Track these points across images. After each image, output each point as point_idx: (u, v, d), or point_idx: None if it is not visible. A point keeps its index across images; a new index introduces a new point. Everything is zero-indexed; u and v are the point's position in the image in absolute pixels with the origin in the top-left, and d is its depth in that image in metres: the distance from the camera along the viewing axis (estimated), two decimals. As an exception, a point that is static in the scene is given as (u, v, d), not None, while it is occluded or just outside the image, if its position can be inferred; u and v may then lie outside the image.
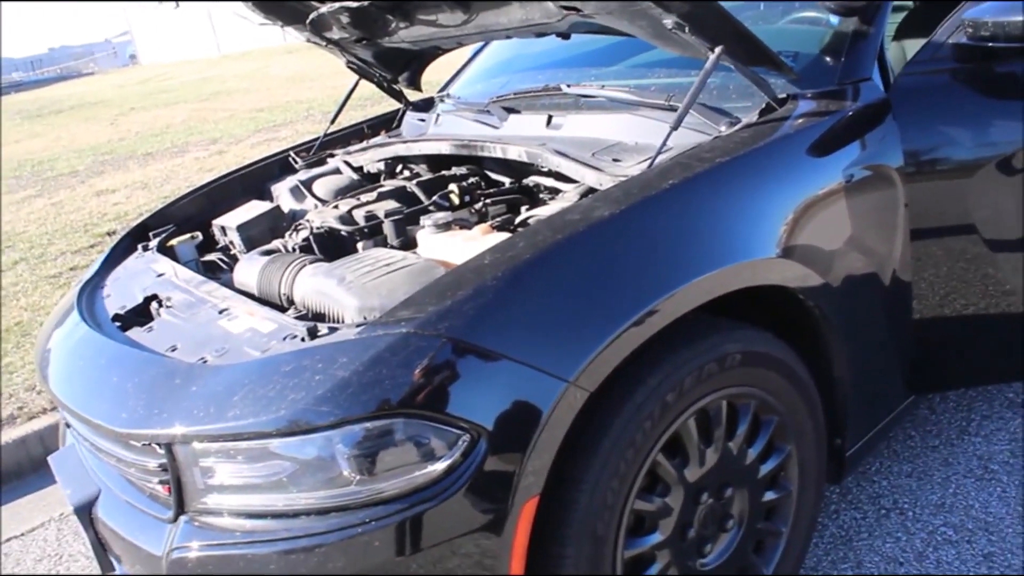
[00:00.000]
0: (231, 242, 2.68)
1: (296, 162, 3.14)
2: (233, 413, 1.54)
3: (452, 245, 1.96)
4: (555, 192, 2.42)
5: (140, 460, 1.73)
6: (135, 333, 2.03)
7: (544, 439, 1.55)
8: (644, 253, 1.70)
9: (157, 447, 1.65)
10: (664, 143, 1.98)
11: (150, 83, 21.38)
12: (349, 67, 3.17)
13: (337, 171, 3.00)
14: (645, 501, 1.78)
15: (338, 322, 1.80)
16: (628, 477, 1.70)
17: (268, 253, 2.25)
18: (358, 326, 1.63)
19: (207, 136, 10.56)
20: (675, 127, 1.99)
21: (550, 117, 2.45)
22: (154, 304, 2.16)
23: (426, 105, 3.27)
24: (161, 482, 1.70)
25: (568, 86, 2.57)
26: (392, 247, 2.23)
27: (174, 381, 1.69)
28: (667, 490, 1.82)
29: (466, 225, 2.12)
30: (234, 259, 2.59)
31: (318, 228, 2.31)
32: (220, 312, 1.96)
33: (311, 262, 2.04)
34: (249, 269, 2.15)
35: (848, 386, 2.11)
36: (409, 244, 2.22)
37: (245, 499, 1.57)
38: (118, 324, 2.11)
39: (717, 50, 2.01)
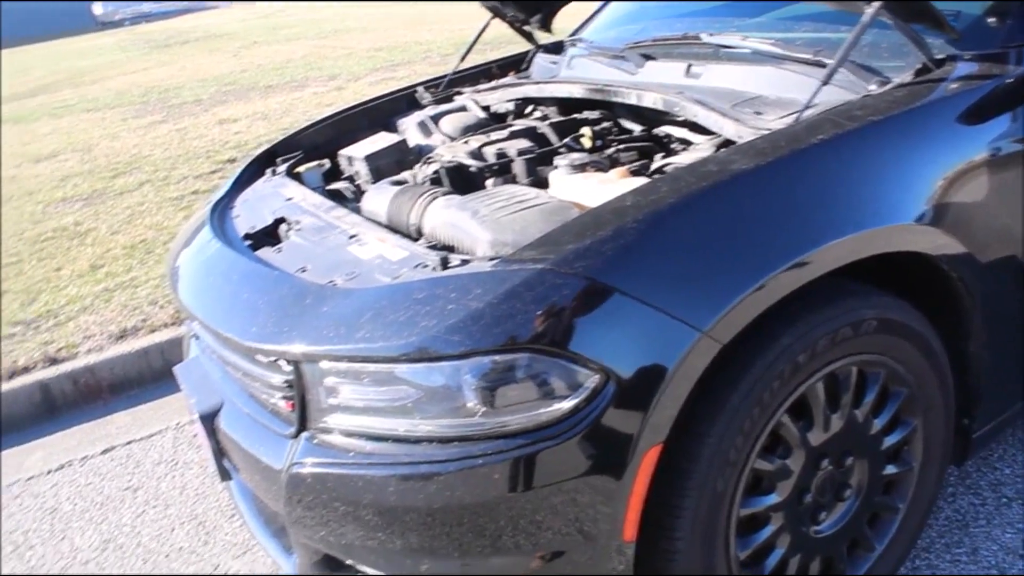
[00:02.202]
0: (357, 172, 2.70)
1: (423, 98, 3.13)
2: (362, 335, 1.55)
3: (586, 187, 1.92)
4: (686, 143, 2.36)
5: (265, 375, 1.77)
6: (265, 253, 2.07)
7: (672, 388, 1.52)
8: (790, 207, 1.64)
9: (284, 364, 1.68)
10: (812, 98, 1.90)
11: (271, 18, 21.72)
12: (483, 5, 3.14)
13: (464, 109, 2.98)
14: (766, 461, 1.74)
15: (469, 255, 1.79)
16: (752, 435, 1.66)
17: (398, 184, 2.25)
18: (492, 260, 1.62)
19: (326, 72, 10.69)
20: (825, 82, 1.91)
21: (689, 66, 2.38)
22: (283, 226, 2.19)
23: (556, 49, 3.22)
24: (284, 398, 1.73)
25: (709, 35, 2.49)
26: (519, 185, 2.21)
27: (305, 300, 1.71)
28: (788, 452, 1.78)
29: (601, 168, 2.08)
30: (359, 189, 2.61)
31: (448, 162, 2.30)
32: (350, 238, 1.97)
33: (442, 194, 2.03)
34: (378, 198, 2.16)
35: (984, 365, 2.02)
36: (539, 184, 2.19)
37: (367, 421, 1.59)
38: (248, 243, 2.14)
39: (876, 5, 1.91)
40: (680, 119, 2.27)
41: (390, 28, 15.37)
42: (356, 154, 2.66)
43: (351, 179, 2.71)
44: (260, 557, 2.45)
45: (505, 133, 2.42)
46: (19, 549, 2.71)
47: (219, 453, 2.02)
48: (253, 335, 1.72)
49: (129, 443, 3.23)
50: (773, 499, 1.78)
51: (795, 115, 1.90)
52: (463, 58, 3.23)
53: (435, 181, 2.26)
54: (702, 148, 2.16)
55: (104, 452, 3.20)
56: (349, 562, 1.75)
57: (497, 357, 1.47)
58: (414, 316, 1.52)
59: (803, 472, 1.80)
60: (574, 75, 2.78)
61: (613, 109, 2.59)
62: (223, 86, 10.65)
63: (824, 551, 1.92)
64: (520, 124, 2.54)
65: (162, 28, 23.70)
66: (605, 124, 2.46)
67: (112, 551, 2.62)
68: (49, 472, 3.13)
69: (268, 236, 2.17)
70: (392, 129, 2.99)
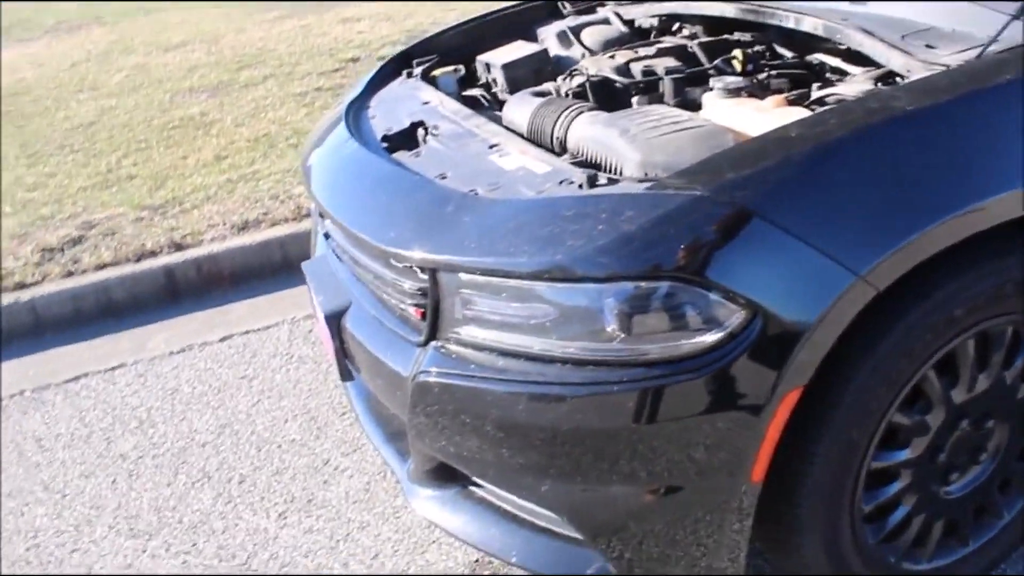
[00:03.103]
0: (493, 80, 2.64)
1: (564, 7, 3.03)
2: (506, 249, 1.52)
3: (741, 113, 1.83)
4: (842, 73, 2.24)
5: (398, 280, 1.76)
6: (402, 156, 2.04)
7: (821, 331, 1.45)
8: (965, 152, 1.53)
9: (419, 271, 1.66)
10: (1000, 33, 1.76)
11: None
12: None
13: (607, 21, 2.88)
14: (904, 415, 1.67)
15: (616, 174, 1.73)
16: (895, 386, 1.59)
17: (540, 95, 2.19)
18: (642, 181, 1.55)
19: (451, -23, 10.54)
20: (1018, 16, 1.76)
21: (857, -10, 2.23)
22: (420, 130, 2.15)
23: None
24: (416, 305, 1.71)
25: (879, -43, 2.32)
26: (668, 106, 2.13)
27: (446, 208, 1.68)
28: (928, 407, 1.70)
29: (756, 94, 1.98)
30: (496, 98, 2.56)
31: (593, 76, 2.22)
32: (490, 147, 1.93)
33: (588, 109, 1.96)
34: (521, 108, 2.10)
35: None
36: (688, 106, 2.10)
37: (501, 336, 1.57)
38: (385, 145, 2.11)
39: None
40: (841, 47, 2.14)
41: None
42: (494, 61, 2.60)
43: (487, 87, 2.65)
44: (370, 456, 2.49)
45: (653, 50, 2.33)
46: (143, 426, 2.82)
47: (342, 353, 2.04)
48: (390, 239, 1.70)
49: (247, 333, 3.30)
50: (906, 455, 1.71)
51: (977, 51, 1.76)
52: (608, -31, 3.11)
53: (579, 95, 2.19)
54: (860, 80, 2.04)
55: (222, 340, 3.29)
56: (466, 473, 1.75)
57: (644, 283, 1.42)
58: (560, 234, 1.48)
59: (941, 430, 1.72)
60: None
61: (766, 32, 2.46)
62: (348, -16, 10.61)
63: (950, 513, 1.84)
64: (669, 41, 2.43)
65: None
66: (758, 47, 2.34)
67: (228, 436, 2.69)
68: (171, 354, 3.23)
69: (405, 139, 2.13)
70: (531, 38, 2.91)
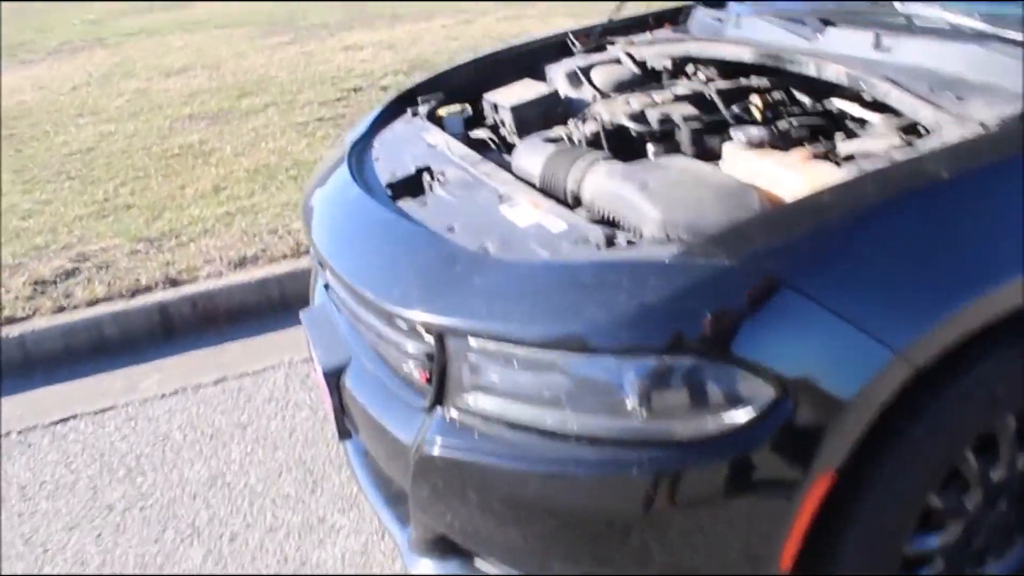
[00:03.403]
0: (501, 121, 2.55)
1: (574, 45, 2.95)
2: (519, 315, 1.42)
3: (766, 168, 1.73)
4: (863, 123, 2.15)
5: (402, 341, 1.65)
6: (407, 204, 1.94)
7: (856, 412, 1.35)
8: (1015, 218, 1.43)
9: (426, 333, 1.56)
10: (1041, 89, 1.67)
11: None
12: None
13: (617, 61, 2.80)
14: (939, 497, 1.56)
15: (633, 232, 1.63)
16: (932, 468, 1.49)
17: (551, 141, 2.10)
18: (667, 244, 1.46)
19: (453, 5, 10.51)
20: (1059, 72, 1.67)
21: (878, 37, 2.14)
22: (426, 176, 2.06)
23: (719, 4, 2.99)
24: (421, 368, 1.61)
25: (902, 3, 2.24)
26: (687, 157, 2.03)
27: (455, 268, 1.58)
28: (965, 489, 1.59)
29: (778, 146, 1.88)
30: (504, 140, 2.47)
31: (609, 123, 2.13)
32: (500, 197, 1.83)
33: (604, 159, 1.87)
34: (532, 156, 2.01)
35: None
36: (705, 155, 2.01)
37: (511, 407, 1.46)
38: (389, 192, 2.02)
39: None
40: (867, 98, 2.05)
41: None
42: (502, 102, 2.51)
43: (495, 128, 2.56)
44: (367, 515, 2.37)
45: (669, 95, 2.23)
46: (131, 474, 2.71)
47: (340, 411, 1.93)
48: (395, 298, 1.60)
49: (242, 376, 3.19)
50: (941, 539, 1.61)
51: (1015, 107, 1.66)
52: (619, 7, 3.03)
53: (593, 142, 2.10)
54: (884, 130, 1.95)
55: (217, 383, 3.18)
56: (470, 549, 1.65)
57: (668, 358, 1.32)
58: (579, 302, 1.38)
59: (978, 511, 1.62)
60: (743, 36, 2.56)
61: (783, 78, 2.37)
62: (350, 12, 10.57)
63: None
64: (684, 86, 2.34)
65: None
66: (776, 94, 2.25)
67: (220, 488, 2.58)
68: (163, 396, 3.12)
69: (411, 186, 2.03)
70: (539, 76, 2.83)
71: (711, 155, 2.02)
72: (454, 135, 2.43)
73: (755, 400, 1.33)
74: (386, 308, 1.62)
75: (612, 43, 2.92)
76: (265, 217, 4.23)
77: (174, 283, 3.68)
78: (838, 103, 2.22)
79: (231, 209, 4.39)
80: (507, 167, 2.10)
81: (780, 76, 2.35)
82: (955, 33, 2.07)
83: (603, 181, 1.77)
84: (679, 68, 2.71)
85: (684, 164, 1.77)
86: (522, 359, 1.42)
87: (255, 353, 3.36)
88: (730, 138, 1.94)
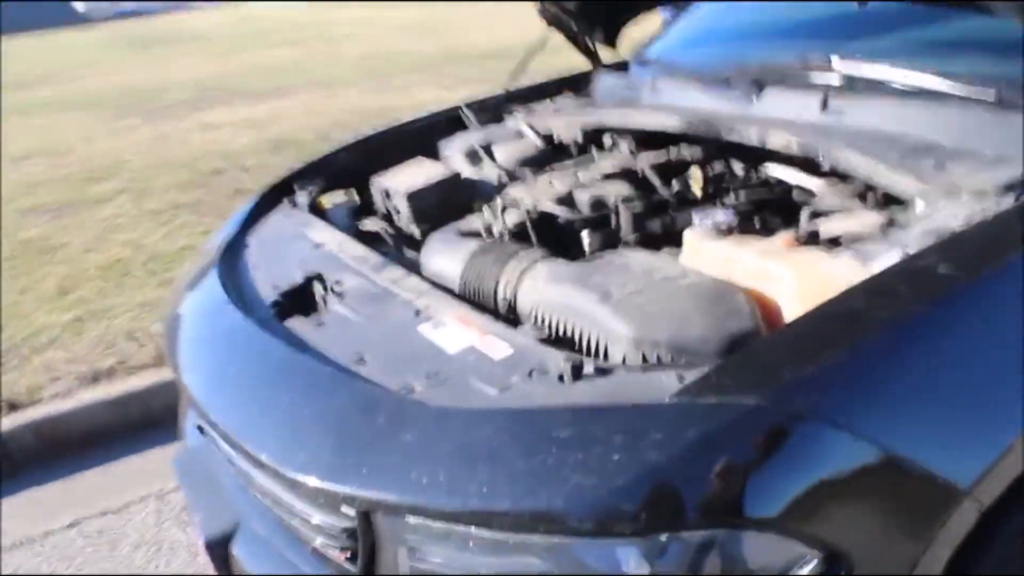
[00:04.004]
0: (396, 210, 2.22)
1: (468, 118, 2.65)
2: (475, 487, 1.06)
3: (745, 260, 1.43)
4: (806, 192, 1.92)
5: (312, 513, 1.27)
6: (299, 325, 1.57)
7: (925, 562, 1.05)
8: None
9: (346, 507, 1.18)
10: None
11: (249, 23, 21.10)
12: (542, 15, 2.66)
13: (519, 135, 2.51)
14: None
15: (596, 352, 1.30)
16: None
17: (469, 235, 1.77)
18: (651, 370, 1.13)
19: (315, 79, 10.16)
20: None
21: (825, 99, 1.91)
22: (318, 286, 1.69)
23: (621, 68, 2.74)
24: (341, 548, 1.24)
25: (842, 60, 2.02)
26: (625, 243, 1.74)
27: (376, 419, 1.21)
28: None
29: (752, 230, 1.60)
30: (400, 233, 2.14)
31: (534, 210, 1.81)
32: (417, 313, 1.48)
33: (541, 258, 1.55)
34: (448, 255, 1.68)
35: None
36: (649, 243, 1.72)
37: None
38: (273, 311, 1.64)
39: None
40: (824, 167, 1.81)
41: (379, 35, 14.85)
42: (395, 187, 2.18)
43: (388, 217, 2.23)
44: None
45: (596, 174, 1.94)
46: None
47: (230, 589, 1.52)
48: (302, 464, 1.22)
49: (103, 514, 2.70)
50: None
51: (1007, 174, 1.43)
52: (515, 75, 2.75)
53: (517, 234, 1.78)
54: (848, 203, 1.72)
55: (71, 525, 2.67)
56: None
57: (685, 534, 0.99)
58: (558, 467, 1.03)
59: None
60: (664, 102, 2.30)
61: (713, 148, 2.11)
62: (206, 90, 10.08)
63: None
64: (610, 162, 2.05)
65: (144, 26, 23.02)
66: (717, 166, 1.99)
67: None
68: (5, 550, 2.60)
69: (300, 300, 1.67)
70: (432, 154, 2.51)
71: (656, 242, 1.73)
72: (343, 229, 2.09)
73: (798, 571, 1.01)
74: (293, 479, 1.23)
75: (511, 113, 2.64)
76: (121, 320, 3.73)
77: (13, 407, 3.15)
78: (774, 170, 1.99)
79: (80, 313, 3.86)
80: (415, 268, 1.76)
81: (709, 146, 2.09)
82: (907, 92, 1.86)
83: (548, 288, 1.44)
84: (591, 140, 2.44)
85: (645, 261, 1.46)
86: (483, 542, 1.07)
87: (118, 484, 2.86)
88: (683, 223, 1.65)
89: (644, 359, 1.23)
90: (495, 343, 1.32)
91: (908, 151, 1.68)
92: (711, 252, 1.49)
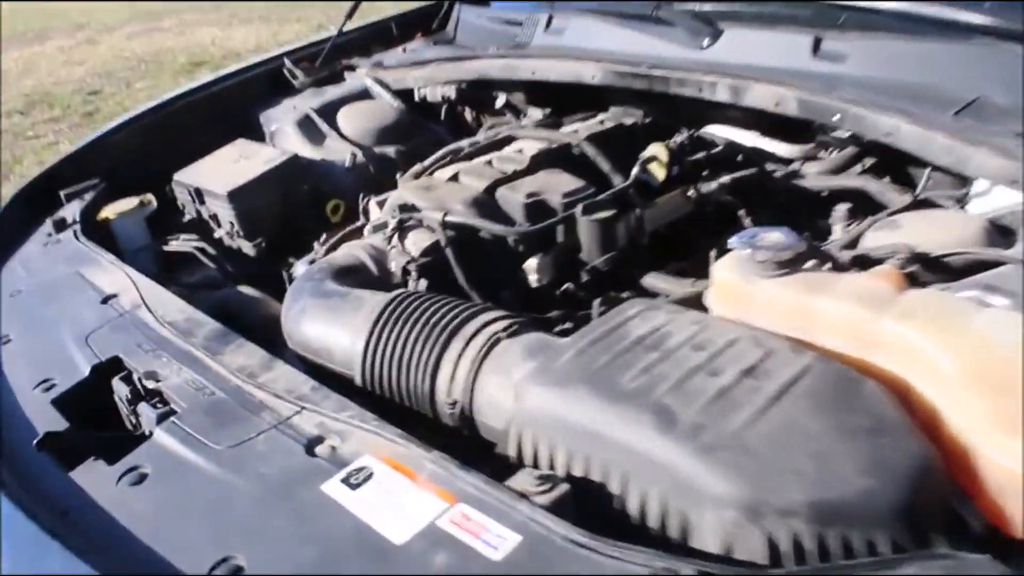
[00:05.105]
0: (213, 217, 1.56)
1: (295, 76, 1.97)
2: None
3: (846, 317, 0.85)
4: (768, 159, 1.44)
5: None
6: (93, 482, 0.89)
7: None
8: None
9: None
10: None
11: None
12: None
13: (366, 94, 1.88)
14: None
15: (653, 514, 0.73)
16: None
17: (349, 272, 1.15)
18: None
19: (70, 21, 8.88)
20: None
21: (818, 40, 1.39)
22: (120, 388, 1.01)
23: (482, 2, 2.11)
24: None
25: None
26: (593, 269, 1.17)
27: None
28: None
29: (825, 259, 1.01)
30: (227, 253, 1.50)
31: (450, 223, 1.17)
32: (309, 449, 0.84)
33: (507, 329, 0.93)
34: (329, 318, 1.05)
35: None
36: (619, 262, 1.16)
37: None
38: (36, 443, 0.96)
39: None
40: (842, 135, 1.31)
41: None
42: (211, 186, 1.54)
43: (203, 228, 1.58)
44: None
45: (523, 156, 1.33)
46: None
47: None
48: None
49: None
50: None
51: None
52: (350, 15, 2.08)
53: (428, 268, 1.15)
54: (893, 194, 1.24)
55: None
56: None
57: None
58: None
59: None
60: (569, 45, 1.71)
61: (649, 105, 1.56)
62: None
63: None
64: (535, 138, 1.42)
65: None
66: (682, 136, 1.44)
67: None
68: None
69: (87, 412, 1.00)
70: (253, 128, 1.85)
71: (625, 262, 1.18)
72: (135, 251, 1.43)
73: None
74: None
75: (352, 67, 1.99)
76: None
77: None
78: (719, 131, 1.50)
79: None
80: (272, 324, 1.13)
81: (653, 108, 1.54)
82: (918, 29, 1.36)
83: (540, 397, 0.82)
84: (468, 99, 1.85)
85: (694, 332, 0.85)
86: None
87: None
88: (729, 249, 1.03)
89: (771, 542, 0.67)
90: (484, 524, 0.71)
91: (952, 108, 1.20)
92: (773, 300, 0.91)
